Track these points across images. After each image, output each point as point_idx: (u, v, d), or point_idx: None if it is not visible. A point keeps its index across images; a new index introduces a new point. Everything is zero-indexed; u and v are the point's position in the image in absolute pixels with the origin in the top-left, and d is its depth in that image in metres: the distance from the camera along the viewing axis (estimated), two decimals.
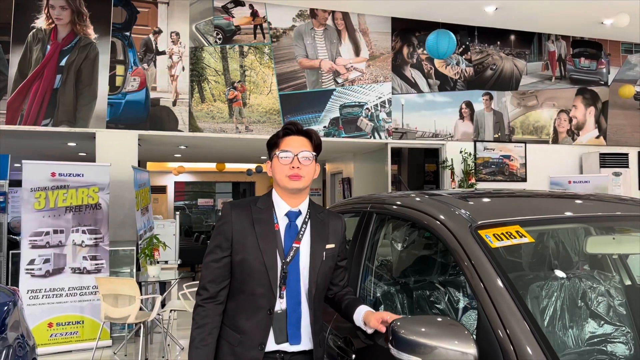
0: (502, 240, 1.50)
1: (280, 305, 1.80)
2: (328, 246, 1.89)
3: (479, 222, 1.60)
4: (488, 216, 1.66)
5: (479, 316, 1.36)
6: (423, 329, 1.32)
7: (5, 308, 2.70)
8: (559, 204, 1.98)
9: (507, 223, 1.57)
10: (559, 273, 1.79)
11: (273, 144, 1.92)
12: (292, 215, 1.88)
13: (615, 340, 1.91)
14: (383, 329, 1.67)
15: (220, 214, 1.93)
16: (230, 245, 1.82)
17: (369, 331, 1.78)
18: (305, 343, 1.83)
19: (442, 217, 1.79)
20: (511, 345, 1.22)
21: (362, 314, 1.81)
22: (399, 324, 1.35)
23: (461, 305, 1.76)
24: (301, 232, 1.86)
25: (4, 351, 2.45)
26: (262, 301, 1.79)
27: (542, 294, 1.67)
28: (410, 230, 2.21)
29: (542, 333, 1.27)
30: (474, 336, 1.32)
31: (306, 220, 1.89)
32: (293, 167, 1.83)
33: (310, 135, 1.91)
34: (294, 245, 1.83)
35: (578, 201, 1.98)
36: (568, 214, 1.77)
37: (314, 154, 1.89)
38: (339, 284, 2.01)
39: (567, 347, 1.73)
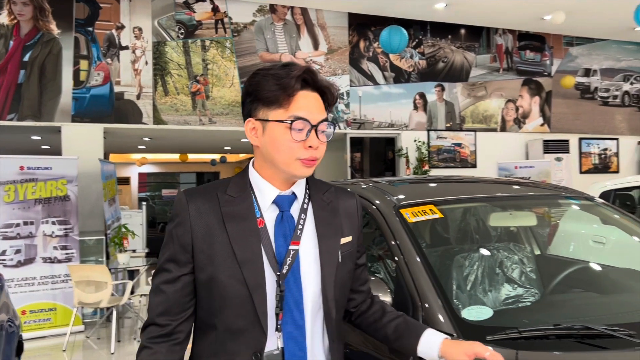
0: (418, 216, 1.90)
1: (277, 341, 1.24)
2: (344, 240, 1.34)
3: (401, 203, 1.99)
4: (410, 198, 2.06)
5: (396, 274, 1.76)
6: None
7: None
8: (472, 187, 2.40)
9: (423, 203, 1.97)
10: (466, 244, 2.21)
11: (272, 99, 1.24)
12: (283, 202, 1.30)
13: (525, 300, 2.34)
14: None
15: (172, 209, 1.31)
16: (190, 257, 1.25)
17: None
18: None
19: (376, 201, 2.17)
20: (416, 293, 1.62)
21: (437, 346, 1.28)
22: None
23: (390, 269, 2.16)
24: (299, 227, 1.29)
25: None
26: (244, 341, 1.22)
27: (451, 259, 2.09)
28: None
29: (442, 286, 1.67)
30: (392, 289, 1.72)
31: (305, 207, 1.32)
32: (310, 147, 1.24)
33: (326, 93, 1.30)
34: (290, 247, 1.26)
35: (486, 185, 2.41)
36: (474, 195, 2.20)
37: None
38: (362, 290, 1.46)
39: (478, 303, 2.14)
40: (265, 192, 1.30)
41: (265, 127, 1.26)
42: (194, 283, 1.27)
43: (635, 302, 1.80)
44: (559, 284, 2.16)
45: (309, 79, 1.25)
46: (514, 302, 2.13)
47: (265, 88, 1.24)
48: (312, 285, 1.27)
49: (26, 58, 6.62)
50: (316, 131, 1.24)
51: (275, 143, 1.24)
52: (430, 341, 1.30)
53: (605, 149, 9.79)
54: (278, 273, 1.24)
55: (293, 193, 1.32)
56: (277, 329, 1.23)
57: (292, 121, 1.22)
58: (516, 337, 1.41)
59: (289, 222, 1.29)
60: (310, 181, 1.38)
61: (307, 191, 1.35)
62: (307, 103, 1.24)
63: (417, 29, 8.64)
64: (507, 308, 1.95)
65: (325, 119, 1.26)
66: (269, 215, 1.29)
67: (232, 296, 1.22)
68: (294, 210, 1.31)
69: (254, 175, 1.32)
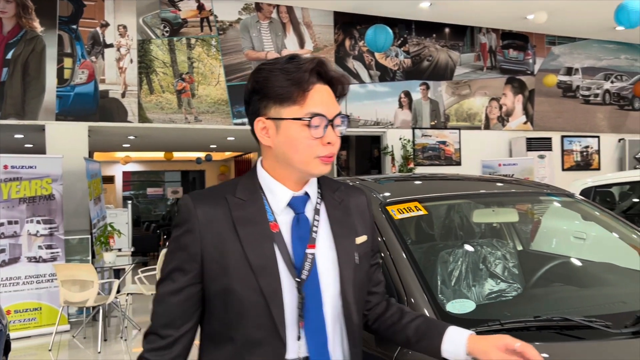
0: (404, 213, 1.95)
1: (298, 352, 1.17)
2: (359, 240, 1.29)
3: (388, 200, 2.03)
4: (396, 195, 2.10)
5: (382, 269, 1.80)
6: None
7: None
8: (456, 184, 2.46)
9: (408, 200, 2.02)
10: (450, 240, 2.27)
11: (285, 96, 1.16)
12: (298, 204, 1.24)
13: (508, 294, 2.40)
14: None
15: (177, 214, 1.24)
16: (199, 267, 1.18)
17: None
18: None
19: None
20: (402, 288, 1.67)
21: (463, 344, 1.20)
22: None
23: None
24: (314, 228, 1.23)
25: None
26: (263, 352, 1.16)
27: (436, 255, 2.14)
28: None
29: (427, 281, 1.72)
30: None
31: (318, 207, 1.26)
32: (329, 143, 1.19)
33: (336, 85, 1.23)
34: (307, 251, 1.20)
35: (470, 182, 2.46)
36: (458, 192, 2.26)
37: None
38: (376, 292, 1.39)
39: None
40: (278, 194, 1.23)
41: (278, 126, 1.19)
42: (201, 293, 1.20)
43: (612, 294, 1.86)
44: (540, 278, 2.22)
45: (321, 72, 1.19)
46: (496, 297, 2.18)
47: (276, 84, 1.17)
48: (331, 290, 1.21)
49: (9, 56, 6.55)
50: (332, 126, 1.19)
51: (292, 142, 1.18)
52: (456, 339, 1.22)
53: (587, 147, 9.95)
54: (298, 279, 1.17)
55: (306, 193, 1.25)
56: (298, 338, 1.17)
57: (311, 118, 1.16)
58: (498, 329, 1.46)
59: (305, 225, 1.22)
60: (321, 179, 1.31)
61: (319, 191, 1.29)
62: (321, 97, 1.18)
63: (402, 27, 8.70)
64: (490, 301, 2.00)
65: (339, 113, 1.20)
66: (283, 219, 1.22)
67: (248, 307, 1.15)
68: (308, 212, 1.25)
69: (264, 177, 1.25)
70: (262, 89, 1.19)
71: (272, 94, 1.17)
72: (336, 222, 1.26)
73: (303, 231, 1.21)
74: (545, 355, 1.10)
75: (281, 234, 1.20)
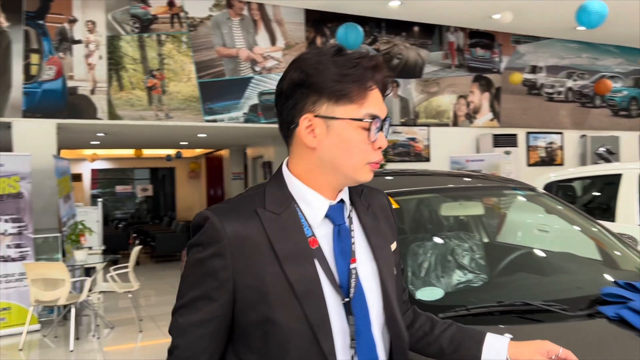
0: None
1: None
2: (392, 247, 1.20)
3: None
4: None
5: None
6: None
7: None
8: (425, 179, 2.57)
9: None
10: (420, 233, 2.37)
11: (343, 92, 1.04)
12: (335, 214, 1.10)
13: (474, 284, 2.52)
14: None
15: (198, 231, 1.06)
16: (229, 294, 1.03)
17: None
18: None
19: None
20: None
21: (505, 351, 1.14)
22: None
23: None
24: (352, 240, 1.11)
25: None
26: None
27: (406, 248, 2.24)
28: None
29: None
30: None
31: (350, 215, 1.14)
32: (380, 148, 1.08)
33: (382, 86, 1.12)
34: (351, 266, 1.08)
35: (439, 177, 2.58)
36: (427, 187, 2.36)
37: None
38: (404, 300, 1.28)
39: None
40: (314, 204, 1.08)
41: (329, 126, 1.05)
42: (230, 323, 1.06)
43: (570, 281, 1.99)
44: (505, 268, 2.34)
45: (380, 71, 1.08)
46: (464, 286, 2.30)
47: (332, 78, 1.03)
48: (376, 307, 1.09)
49: None
50: (383, 130, 1.08)
51: (347, 145, 1.05)
52: (496, 346, 1.15)
53: (551, 143, 10.27)
54: (347, 299, 1.04)
55: (342, 200, 1.12)
56: None
57: (372, 120, 1.05)
58: (464, 314, 1.56)
59: (347, 237, 1.09)
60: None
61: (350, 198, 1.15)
62: (377, 98, 1.07)
63: (373, 26, 8.82)
64: (457, 289, 2.11)
65: (387, 116, 1.10)
66: (322, 232, 1.08)
67: (292, 337, 1.01)
68: (346, 219, 1.12)
69: (295, 185, 1.09)
70: (315, 82, 1.04)
71: (327, 89, 1.04)
72: (371, 231, 1.14)
73: (344, 244, 1.09)
74: (509, 335, 1.19)
75: (321, 249, 1.06)
